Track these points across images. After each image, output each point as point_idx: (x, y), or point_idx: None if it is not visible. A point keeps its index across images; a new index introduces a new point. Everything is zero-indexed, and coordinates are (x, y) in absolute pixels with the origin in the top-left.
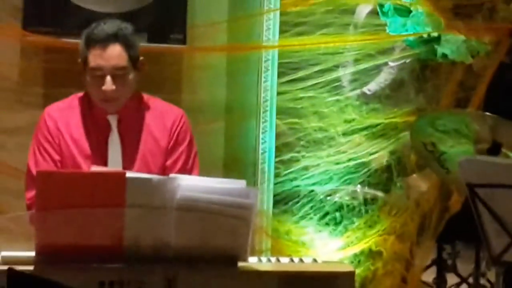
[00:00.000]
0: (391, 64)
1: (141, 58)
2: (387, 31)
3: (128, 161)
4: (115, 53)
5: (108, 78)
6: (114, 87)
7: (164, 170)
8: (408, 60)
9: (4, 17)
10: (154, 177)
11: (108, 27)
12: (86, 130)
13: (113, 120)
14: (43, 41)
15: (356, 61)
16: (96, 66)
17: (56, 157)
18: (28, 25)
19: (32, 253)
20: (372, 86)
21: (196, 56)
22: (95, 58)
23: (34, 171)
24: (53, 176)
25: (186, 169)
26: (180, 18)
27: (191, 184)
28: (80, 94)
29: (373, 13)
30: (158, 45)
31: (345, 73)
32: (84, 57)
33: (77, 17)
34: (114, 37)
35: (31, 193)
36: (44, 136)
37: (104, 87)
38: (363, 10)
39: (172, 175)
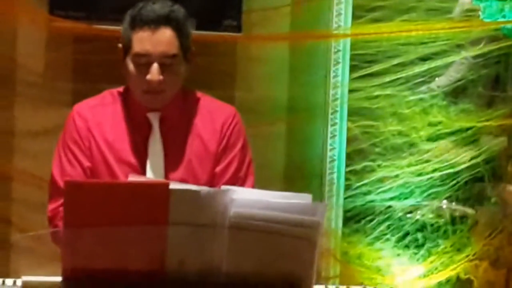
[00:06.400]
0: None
1: (193, 48)
2: (481, 17)
3: (171, 167)
4: (166, 38)
5: (155, 65)
6: (161, 77)
7: (213, 178)
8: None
9: None
10: (203, 189)
11: (158, 7)
12: (121, 130)
13: (154, 118)
14: (73, 28)
15: (443, 52)
16: (142, 51)
17: (86, 163)
18: (56, 9)
19: (58, 278)
20: (441, 81)
21: (253, 47)
22: (142, 42)
23: (58, 180)
24: (83, 187)
25: (238, 178)
26: (235, 1)
27: (246, 199)
28: (115, 90)
29: None
30: (208, 32)
31: (429, 67)
32: (127, 40)
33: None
34: (166, 20)
35: (54, 204)
36: (72, 138)
37: (149, 77)
38: None
39: (224, 187)
